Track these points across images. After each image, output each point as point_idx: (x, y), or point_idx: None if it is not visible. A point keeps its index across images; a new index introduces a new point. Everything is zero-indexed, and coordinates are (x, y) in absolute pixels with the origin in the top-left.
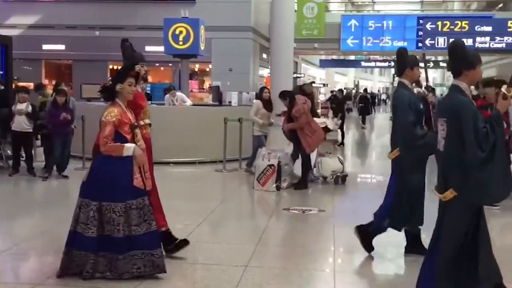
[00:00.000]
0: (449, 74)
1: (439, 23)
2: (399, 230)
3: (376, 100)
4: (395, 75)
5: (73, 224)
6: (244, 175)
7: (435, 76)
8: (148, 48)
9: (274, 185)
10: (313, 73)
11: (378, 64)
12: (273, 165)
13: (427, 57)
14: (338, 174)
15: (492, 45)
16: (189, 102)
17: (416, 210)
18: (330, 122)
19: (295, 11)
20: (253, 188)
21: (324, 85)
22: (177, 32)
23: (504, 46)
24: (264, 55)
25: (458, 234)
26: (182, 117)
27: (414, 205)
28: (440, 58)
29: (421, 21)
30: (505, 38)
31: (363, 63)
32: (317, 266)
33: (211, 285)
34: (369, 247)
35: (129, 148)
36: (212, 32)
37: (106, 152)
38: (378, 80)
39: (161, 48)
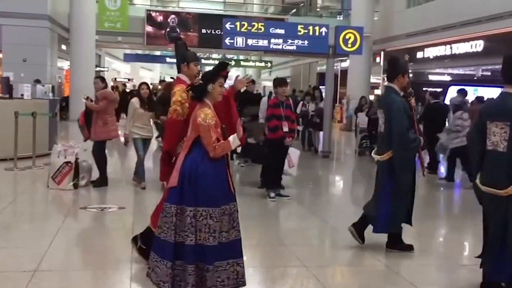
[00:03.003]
0: (250, 73)
1: (238, 23)
2: (399, 231)
3: None
4: (387, 80)
5: (171, 234)
6: (38, 173)
7: (237, 74)
8: None
9: (71, 183)
10: (118, 67)
11: None
12: (70, 162)
13: (230, 57)
14: None
15: (285, 47)
16: None
17: (409, 209)
18: None
19: (97, 1)
20: (48, 187)
21: (129, 79)
22: None
23: (295, 48)
24: (64, 46)
25: None
26: None
27: (408, 204)
28: (241, 57)
29: (222, 21)
30: (296, 41)
31: (168, 59)
32: (113, 265)
33: None
34: (362, 239)
35: (234, 139)
36: (2, 18)
37: (218, 156)
38: None
39: None
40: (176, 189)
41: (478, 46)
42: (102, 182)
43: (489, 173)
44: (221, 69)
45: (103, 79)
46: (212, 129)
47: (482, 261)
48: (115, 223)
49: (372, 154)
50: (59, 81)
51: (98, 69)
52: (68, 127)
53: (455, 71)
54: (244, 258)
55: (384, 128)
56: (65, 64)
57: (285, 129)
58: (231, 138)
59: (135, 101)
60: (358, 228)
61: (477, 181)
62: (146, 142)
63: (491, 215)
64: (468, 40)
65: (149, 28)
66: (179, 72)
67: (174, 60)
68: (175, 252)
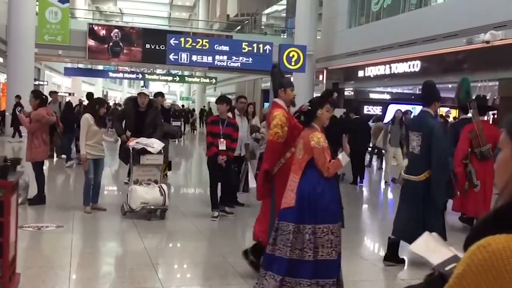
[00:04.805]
0: (194, 89)
1: (182, 39)
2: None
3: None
4: (423, 105)
5: (287, 251)
6: None
7: (182, 90)
8: None
9: None
10: (58, 81)
11: (127, 75)
12: None
13: (175, 72)
14: (153, 207)
15: (229, 63)
16: None
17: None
18: (156, 143)
19: (37, 14)
20: None
21: (69, 94)
22: None
23: (239, 65)
24: (0, 59)
25: None
26: None
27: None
28: (186, 73)
29: (166, 36)
30: (240, 58)
31: (111, 74)
32: (49, 285)
33: None
34: (401, 260)
35: (344, 157)
36: None
37: (331, 175)
38: (127, 92)
39: None
40: (294, 209)
41: (415, 66)
42: (39, 200)
43: None
44: (329, 95)
45: (37, 95)
46: (326, 151)
47: None
48: (52, 242)
49: (404, 175)
50: None
51: (37, 82)
52: (4, 142)
53: (394, 90)
54: (187, 276)
55: (421, 150)
56: (1, 77)
57: (221, 147)
58: (340, 156)
59: (89, 117)
60: (391, 257)
61: None
62: (98, 162)
63: None
64: (406, 60)
65: (91, 42)
66: (275, 96)
67: (117, 75)
68: (288, 268)
